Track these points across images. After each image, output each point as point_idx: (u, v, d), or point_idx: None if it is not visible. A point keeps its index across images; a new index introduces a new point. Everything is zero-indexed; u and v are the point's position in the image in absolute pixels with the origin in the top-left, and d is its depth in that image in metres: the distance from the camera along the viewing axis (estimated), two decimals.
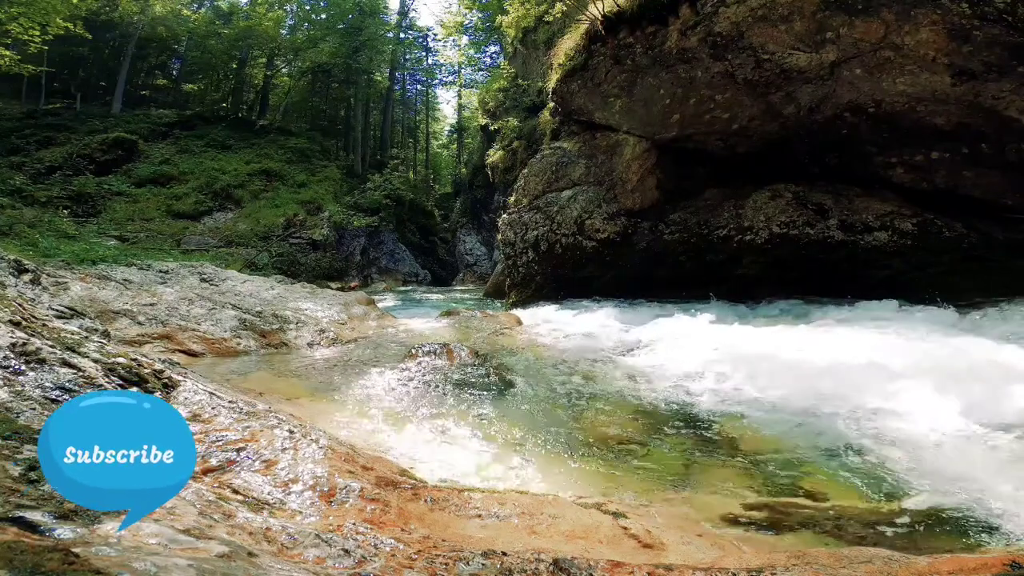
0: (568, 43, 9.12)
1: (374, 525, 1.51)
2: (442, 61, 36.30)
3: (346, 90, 28.75)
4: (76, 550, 0.81)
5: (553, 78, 9.48)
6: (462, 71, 34.34)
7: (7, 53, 15.35)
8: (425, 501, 1.79)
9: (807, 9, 6.01)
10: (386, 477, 1.93)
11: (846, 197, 7.35)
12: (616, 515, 1.96)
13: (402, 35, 32.30)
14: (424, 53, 35.99)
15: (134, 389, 1.90)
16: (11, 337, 1.76)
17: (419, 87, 38.07)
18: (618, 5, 7.76)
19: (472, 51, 32.73)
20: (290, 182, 20.84)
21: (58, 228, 13.87)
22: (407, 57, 34.61)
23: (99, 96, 23.46)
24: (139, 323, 5.12)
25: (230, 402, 2.14)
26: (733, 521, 2.14)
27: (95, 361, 1.92)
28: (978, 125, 6.12)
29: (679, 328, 5.66)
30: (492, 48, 30.90)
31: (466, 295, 15.84)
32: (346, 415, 3.18)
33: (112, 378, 1.88)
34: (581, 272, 9.04)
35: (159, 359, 2.40)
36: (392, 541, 1.38)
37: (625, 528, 1.83)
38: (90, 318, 4.01)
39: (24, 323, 1.97)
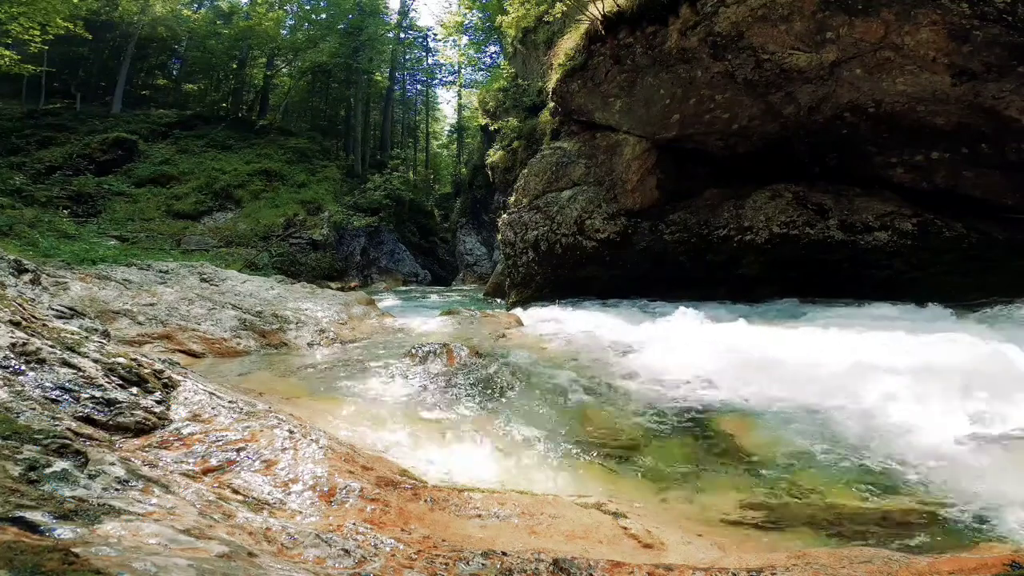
0: (568, 43, 9.11)
1: (374, 525, 1.51)
2: (442, 61, 36.41)
3: (346, 90, 28.77)
4: (76, 550, 0.81)
5: (553, 78, 9.47)
6: (462, 71, 34.38)
7: (7, 53, 15.32)
8: (425, 501, 1.79)
9: (807, 9, 6.02)
10: (386, 477, 1.93)
11: (846, 197, 7.35)
12: (616, 515, 1.96)
13: (402, 35, 32.32)
14: (424, 53, 36.07)
15: (134, 389, 1.90)
16: (11, 337, 1.76)
17: (419, 87, 38.18)
18: (618, 5, 7.76)
19: (472, 51, 32.71)
20: (290, 182, 20.84)
21: (58, 228, 13.87)
22: (407, 57, 34.66)
23: (99, 96, 23.44)
24: (139, 323, 5.12)
25: (230, 402, 2.14)
26: (733, 521, 2.14)
27: (95, 361, 1.91)
28: (978, 125, 6.12)
29: (679, 328, 5.65)
30: (492, 48, 30.89)
31: (466, 295, 15.83)
32: (346, 415, 3.18)
33: (112, 378, 1.88)
34: (581, 272, 9.04)
35: (159, 359, 2.39)
36: (392, 541, 1.38)
37: (625, 528, 1.83)
38: (90, 318, 4.01)
39: (24, 323, 1.97)
